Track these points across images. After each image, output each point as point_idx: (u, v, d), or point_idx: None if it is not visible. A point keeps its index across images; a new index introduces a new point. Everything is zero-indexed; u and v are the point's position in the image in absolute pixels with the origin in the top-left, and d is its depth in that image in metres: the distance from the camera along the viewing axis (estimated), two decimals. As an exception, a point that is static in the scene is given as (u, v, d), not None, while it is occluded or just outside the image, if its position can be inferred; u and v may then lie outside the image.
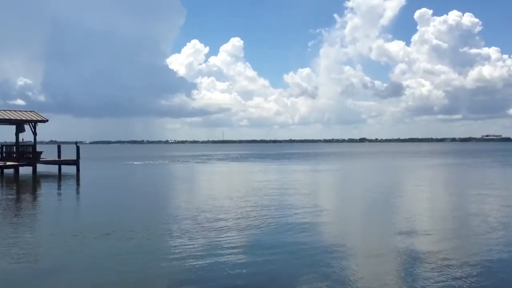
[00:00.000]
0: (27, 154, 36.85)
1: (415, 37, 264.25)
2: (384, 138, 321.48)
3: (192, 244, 11.21)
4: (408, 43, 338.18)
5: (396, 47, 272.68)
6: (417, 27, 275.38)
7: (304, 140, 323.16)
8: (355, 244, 11.72)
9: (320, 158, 69.70)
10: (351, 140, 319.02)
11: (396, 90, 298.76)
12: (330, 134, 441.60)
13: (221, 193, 23.46)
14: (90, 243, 11.62)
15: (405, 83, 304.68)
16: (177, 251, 10.62)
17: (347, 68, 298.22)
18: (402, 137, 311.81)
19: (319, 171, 41.69)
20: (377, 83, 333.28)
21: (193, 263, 9.58)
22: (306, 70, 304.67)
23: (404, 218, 15.48)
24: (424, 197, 22.33)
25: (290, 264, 9.63)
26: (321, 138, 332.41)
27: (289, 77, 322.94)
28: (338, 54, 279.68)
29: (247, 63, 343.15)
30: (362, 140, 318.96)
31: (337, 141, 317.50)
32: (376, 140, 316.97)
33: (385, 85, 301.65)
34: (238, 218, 14.93)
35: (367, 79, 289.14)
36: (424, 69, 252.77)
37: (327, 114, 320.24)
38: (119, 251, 10.77)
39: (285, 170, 41.94)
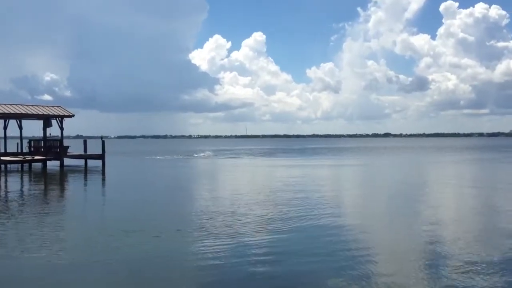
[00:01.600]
0: (54, 148, 37.48)
1: (440, 30, 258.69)
2: (408, 133, 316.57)
3: (217, 242, 11.01)
4: (433, 37, 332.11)
5: (421, 40, 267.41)
6: (443, 20, 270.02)
7: (327, 135, 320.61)
8: (381, 241, 11.47)
9: (345, 153, 69.01)
10: (375, 135, 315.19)
11: (421, 84, 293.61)
12: (353, 129, 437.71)
13: (246, 189, 23.33)
14: (118, 239, 11.62)
15: (430, 77, 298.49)
16: (202, 249, 10.49)
17: (370, 62, 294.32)
18: (427, 132, 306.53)
19: (345, 166, 41.23)
20: (402, 77, 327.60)
21: (217, 262, 9.43)
22: (329, 65, 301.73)
23: (431, 214, 15.13)
24: (452, 193, 21.79)
25: (317, 262, 9.43)
26: (344, 133, 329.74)
27: (311, 72, 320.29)
28: (362, 48, 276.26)
29: (270, 58, 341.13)
30: (386, 135, 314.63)
31: (361, 136, 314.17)
32: (400, 135, 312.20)
33: (410, 79, 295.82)
34: (264, 215, 14.76)
35: (391, 73, 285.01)
36: (450, 63, 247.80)
37: (350, 109, 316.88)
38: (146, 247, 10.75)
39: (310, 165, 41.59)
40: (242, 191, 21.63)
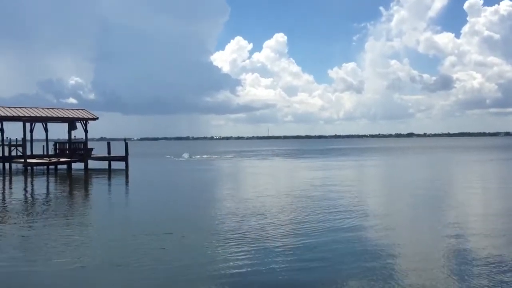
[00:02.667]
0: (79, 150, 38.04)
1: (465, 29, 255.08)
2: (433, 133, 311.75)
3: (240, 245, 10.89)
4: (457, 35, 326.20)
5: (445, 39, 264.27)
6: (467, 18, 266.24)
7: (350, 135, 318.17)
8: (405, 243, 11.19)
9: (369, 153, 68.24)
10: (398, 135, 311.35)
11: (446, 83, 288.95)
12: (376, 129, 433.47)
13: (270, 190, 23.19)
14: (142, 242, 11.63)
15: (455, 76, 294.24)
16: (225, 252, 10.40)
17: (393, 61, 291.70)
18: (452, 132, 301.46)
19: (370, 167, 40.73)
20: (426, 76, 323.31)
21: (240, 264, 9.32)
22: (351, 65, 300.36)
23: (456, 215, 14.76)
24: (479, 193, 21.24)
25: (339, 264, 9.24)
26: (367, 133, 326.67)
27: (333, 72, 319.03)
28: (384, 47, 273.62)
29: (291, 59, 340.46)
30: (410, 135, 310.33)
31: (384, 136, 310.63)
32: (424, 135, 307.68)
33: (434, 78, 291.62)
34: (292, 218, 14.62)
35: (415, 72, 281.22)
36: (475, 61, 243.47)
37: (373, 109, 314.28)
38: (171, 249, 10.73)
39: (334, 166, 41.21)
40: (267, 193, 21.45)
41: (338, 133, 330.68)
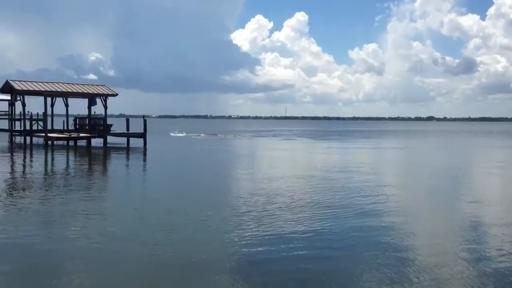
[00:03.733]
0: (98, 126, 38.38)
1: (491, 11, 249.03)
2: (453, 117, 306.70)
3: (256, 228, 10.80)
4: (483, 17, 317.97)
5: (469, 21, 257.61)
6: (493, 0, 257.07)
7: (368, 117, 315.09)
8: (425, 232, 11.07)
9: (389, 136, 67.49)
10: (417, 119, 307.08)
11: (469, 67, 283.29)
12: (395, 112, 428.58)
13: (287, 172, 23.14)
14: (161, 217, 11.74)
15: (478, 59, 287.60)
16: (244, 233, 10.40)
17: (416, 43, 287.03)
18: (473, 116, 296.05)
19: (388, 150, 40.35)
20: (448, 59, 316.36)
21: (256, 249, 9.22)
22: (372, 46, 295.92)
23: (475, 202, 14.51)
24: (502, 180, 20.87)
25: (357, 252, 9.18)
26: (386, 115, 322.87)
27: (354, 53, 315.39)
28: (407, 29, 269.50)
29: (312, 39, 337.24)
30: (430, 118, 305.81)
31: (403, 119, 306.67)
32: (445, 119, 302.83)
33: (457, 61, 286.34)
34: (303, 200, 14.55)
35: (438, 55, 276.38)
36: (500, 45, 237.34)
37: (394, 91, 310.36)
38: (189, 227, 10.78)
39: (352, 149, 40.93)
40: (286, 174, 21.40)
41: (356, 115, 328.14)
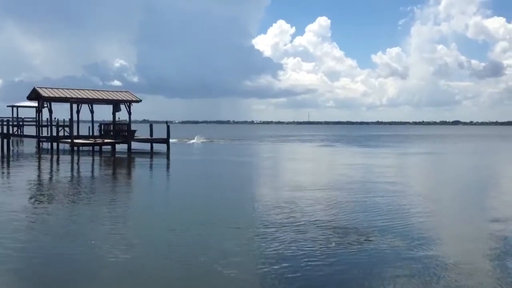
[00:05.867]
0: (122, 132, 38.79)
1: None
2: (480, 121, 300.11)
3: (283, 238, 10.67)
4: (509, 20, 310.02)
5: (495, 23, 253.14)
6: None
7: (392, 122, 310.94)
8: (452, 241, 10.71)
9: (415, 141, 66.17)
10: (443, 123, 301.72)
11: (496, 70, 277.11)
12: (420, 116, 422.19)
13: (312, 178, 22.95)
14: (186, 224, 11.69)
15: (505, 62, 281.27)
16: (269, 240, 10.24)
17: (440, 47, 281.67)
18: (500, 120, 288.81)
19: (415, 155, 39.56)
20: (474, 62, 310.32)
21: (281, 261, 9.11)
22: (396, 50, 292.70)
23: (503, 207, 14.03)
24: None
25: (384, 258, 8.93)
26: (410, 120, 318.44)
27: (377, 57, 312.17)
28: (431, 32, 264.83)
29: (334, 43, 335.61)
30: (456, 122, 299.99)
31: (428, 123, 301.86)
32: (471, 123, 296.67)
33: (483, 64, 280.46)
34: (329, 207, 14.34)
35: (463, 58, 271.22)
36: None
37: (418, 95, 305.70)
38: (213, 234, 10.69)
39: (377, 154, 40.34)
40: (306, 180, 21.22)
41: (380, 120, 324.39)
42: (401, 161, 34.01)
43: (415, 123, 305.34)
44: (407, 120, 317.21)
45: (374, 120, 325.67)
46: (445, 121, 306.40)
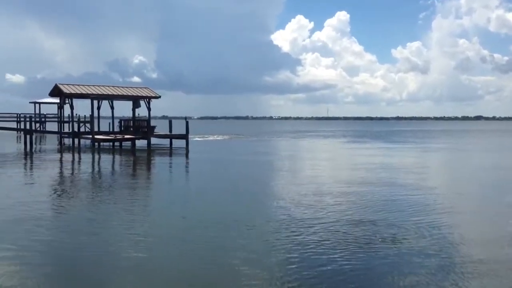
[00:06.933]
0: (142, 128, 39.06)
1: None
2: (503, 116, 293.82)
3: (305, 237, 10.53)
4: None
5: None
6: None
7: (413, 117, 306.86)
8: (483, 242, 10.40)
9: (438, 137, 64.83)
10: (464, 118, 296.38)
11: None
12: (441, 111, 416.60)
13: (334, 176, 22.72)
14: (207, 220, 11.64)
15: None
16: (290, 239, 10.13)
17: (462, 41, 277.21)
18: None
19: (443, 151, 38.83)
20: (497, 56, 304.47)
21: (301, 259, 8.95)
22: (416, 44, 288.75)
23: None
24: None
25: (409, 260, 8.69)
26: (431, 115, 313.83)
27: (397, 52, 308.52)
28: (452, 26, 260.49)
29: (353, 38, 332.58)
30: (478, 118, 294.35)
31: (449, 118, 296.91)
32: (493, 118, 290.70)
33: (506, 58, 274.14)
34: (352, 205, 14.13)
35: (485, 52, 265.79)
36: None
37: (439, 90, 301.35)
38: (233, 232, 10.60)
39: (406, 150, 39.75)
40: (329, 178, 20.99)
41: (400, 115, 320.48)
42: (431, 157, 33.34)
43: (436, 119, 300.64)
44: (428, 116, 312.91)
45: (394, 116, 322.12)
46: (467, 116, 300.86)
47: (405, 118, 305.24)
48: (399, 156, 32.56)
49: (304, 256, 8.40)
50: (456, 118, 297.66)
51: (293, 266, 7.88)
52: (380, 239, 9.42)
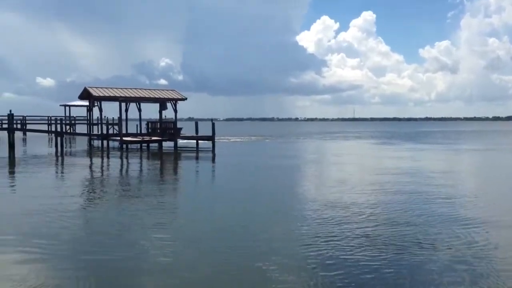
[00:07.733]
0: (169, 130, 39.34)
1: None
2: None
3: (338, 243, 10.28)
4: None
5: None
6: None
7: (442, 118, 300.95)
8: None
9: (470, 138, 62.94)
10: (495, 118, 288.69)
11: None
12: (471, 111, 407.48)
13: (364, 177, 22.29)
14: (233, 224, 11.48)
15: None
16: (318, 243, 9.85)
17: (492, 39, 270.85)
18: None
19: (478, 152, 37.69)
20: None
21: (333, 265, 8.69)
22: (445, 43, 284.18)
23: None
24: None
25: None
26: (461, 115, 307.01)
27: (425, 52, 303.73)
28: (482, 24, 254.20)
29: (380, 38, 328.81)
30: (509, 118, 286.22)
31: (480, 119, 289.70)
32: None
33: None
34: (379, 209, 13.75)
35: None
36: None
37: (469, 90, 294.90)
38: (258, 235, 10.39)
39: (439, 152, 38.82)
40: (357, 180, 20.58)
41: (429, 115, 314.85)
42: (467, 159, 32.43)
43: (466, 119, 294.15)
44: (458, 116, 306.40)
45: (423, 116, 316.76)
46: (498, 117, 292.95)
47: (434, 119, 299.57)
48: (432, 158, 31.73)
49: (339, 261, 8.10)
50: (487, 119, 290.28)
51: (331, 274, 7.59)
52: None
